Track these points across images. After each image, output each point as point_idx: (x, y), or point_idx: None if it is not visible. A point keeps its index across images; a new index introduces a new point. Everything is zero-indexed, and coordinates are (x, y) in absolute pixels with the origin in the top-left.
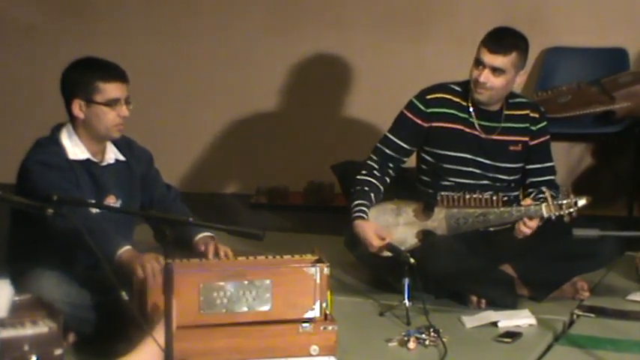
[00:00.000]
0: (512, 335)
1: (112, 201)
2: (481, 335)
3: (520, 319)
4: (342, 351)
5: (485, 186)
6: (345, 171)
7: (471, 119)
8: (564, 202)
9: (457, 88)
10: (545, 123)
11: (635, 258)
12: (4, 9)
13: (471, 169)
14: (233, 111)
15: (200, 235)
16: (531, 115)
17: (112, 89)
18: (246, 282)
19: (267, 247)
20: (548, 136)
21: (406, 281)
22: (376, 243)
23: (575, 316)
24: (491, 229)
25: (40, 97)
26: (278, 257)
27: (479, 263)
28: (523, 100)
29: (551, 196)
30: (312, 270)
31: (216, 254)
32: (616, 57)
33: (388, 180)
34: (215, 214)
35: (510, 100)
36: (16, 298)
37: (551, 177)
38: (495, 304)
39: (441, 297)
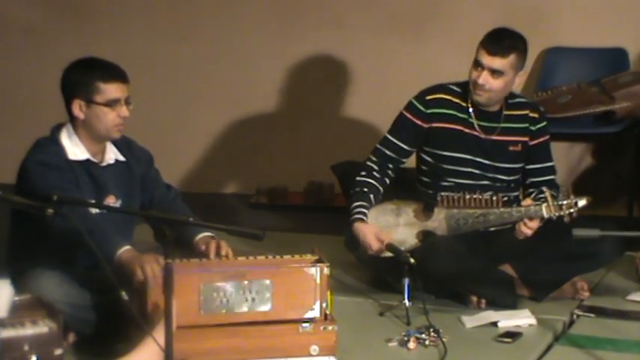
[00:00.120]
0: (512, 335)
1: (111, 201)
2: (481, 335)
3: (520, 319)
4: (342, 351)
5: (485, 186)
6: (345, 171)
7: (470, 120)
8: (564, 202)
9: (456, 89)
10: (544, 123)
11: (635, 258)
12: (4, 9)
13: (470, 169)
14: (233, 111)
15: (200, 235)
16: (531, 115)
17: (112, 89)
18: (246, 282)
19: (267, 247)
20: (548, 136)
21: (406, 281)
22: (375, 246)
23: (575, 316)
24: (492, 229)
25: (40, 98)
26: (278, 257)
27: (479, 263)
28: (522, 100)
29: (552, 196)
30: (312, 270)
31: (218, 253)
32: (616, 57)
33: (388, 181)
34: (215, 214)
35: (510, 101)
36: (16, 298)
37: (552, 177)
38: (495, 304)
39: (441, 297)
